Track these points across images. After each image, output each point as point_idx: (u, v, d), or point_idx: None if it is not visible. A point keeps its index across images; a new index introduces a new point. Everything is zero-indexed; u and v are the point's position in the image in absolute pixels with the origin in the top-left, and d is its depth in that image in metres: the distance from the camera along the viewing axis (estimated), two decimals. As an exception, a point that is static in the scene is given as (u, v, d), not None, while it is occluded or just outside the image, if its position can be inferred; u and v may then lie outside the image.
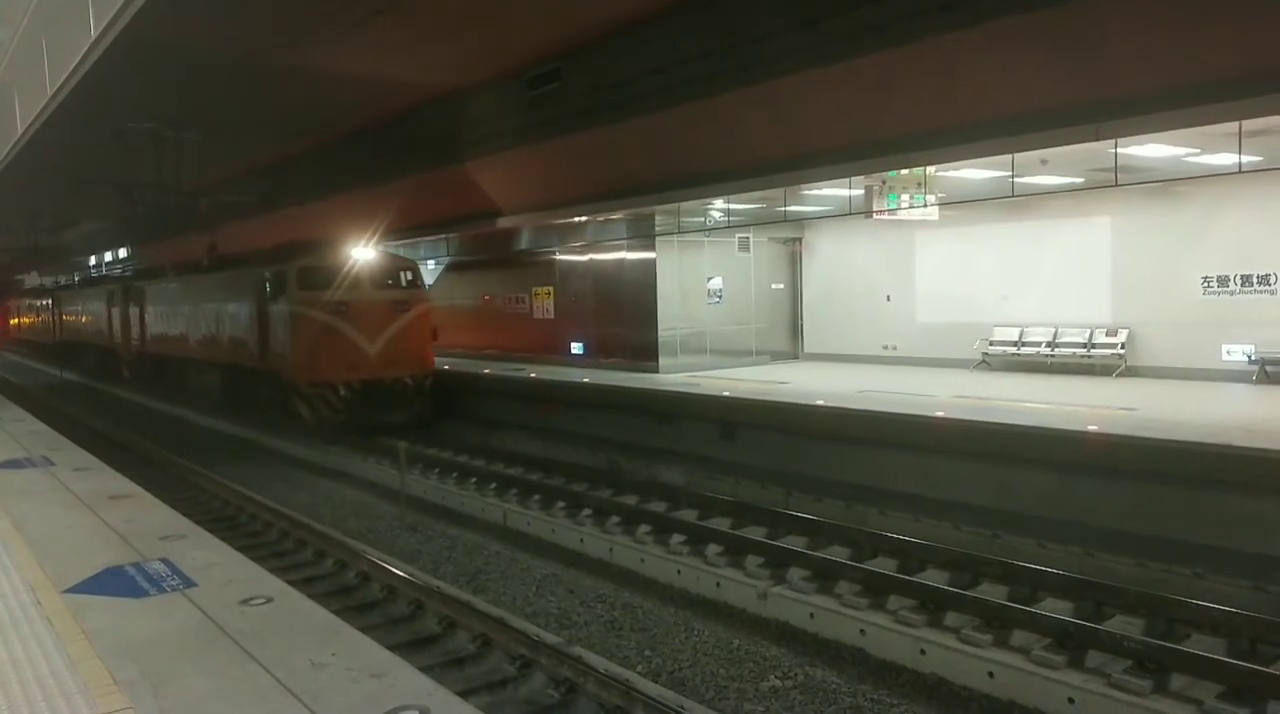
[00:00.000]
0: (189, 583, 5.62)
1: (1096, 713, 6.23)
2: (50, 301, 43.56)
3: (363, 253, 18.99)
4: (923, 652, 7.24)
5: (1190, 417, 11.42)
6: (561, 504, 12.05)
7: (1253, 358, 15.04)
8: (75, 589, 5.57)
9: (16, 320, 56.27)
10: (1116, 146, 12.10)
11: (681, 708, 6.00)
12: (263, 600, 5.31)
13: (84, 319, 36.49)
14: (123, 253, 39.84)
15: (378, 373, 18.39)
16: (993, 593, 8.17)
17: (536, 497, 12.59)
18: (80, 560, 6.14)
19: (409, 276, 19.69)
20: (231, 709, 3.93)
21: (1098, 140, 10.12)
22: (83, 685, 4.18)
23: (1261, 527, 8.95)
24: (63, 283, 48.69)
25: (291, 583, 6.41)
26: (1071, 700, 6.34)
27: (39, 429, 13.61)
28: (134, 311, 28.80)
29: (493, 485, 13.54)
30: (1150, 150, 12.95)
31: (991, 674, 6.80)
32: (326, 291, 18.13)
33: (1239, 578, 8.05)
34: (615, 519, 11.15)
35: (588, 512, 11.62)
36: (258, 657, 4.45)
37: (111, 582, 5.69)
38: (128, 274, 32.19)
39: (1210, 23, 8.01)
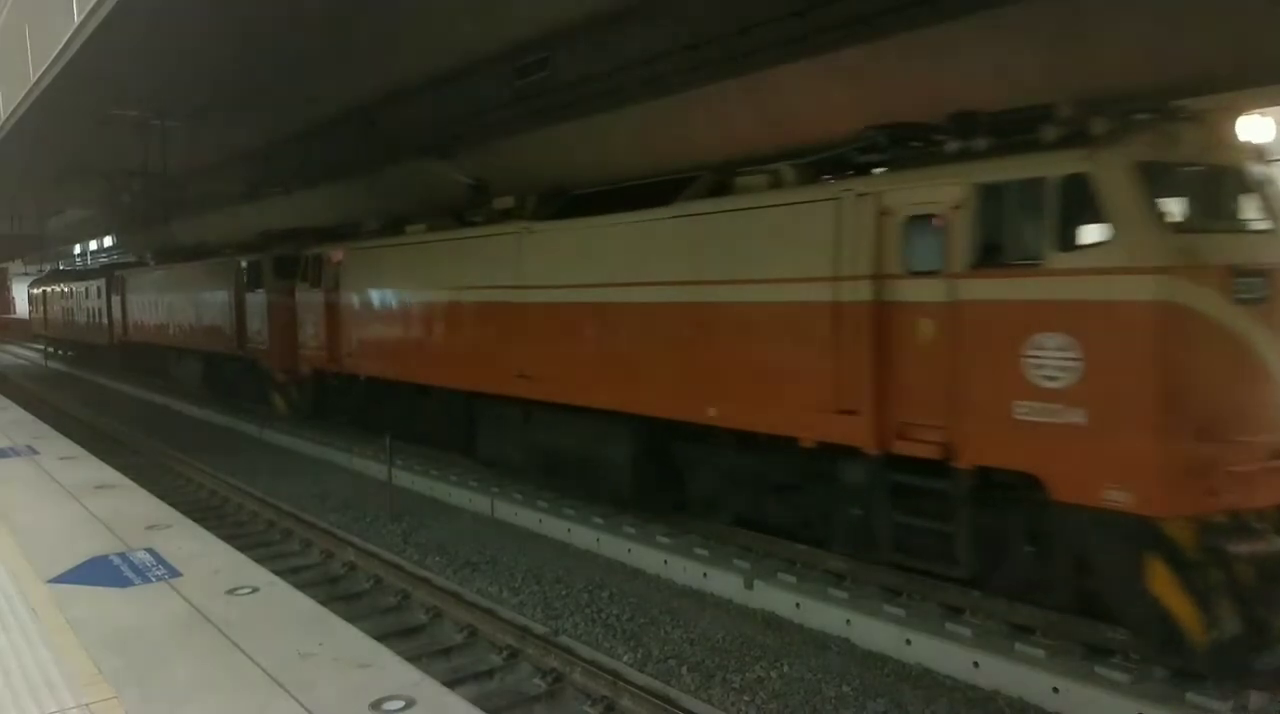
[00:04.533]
0: (174, 573, 5.60)
1: (1081, 704, 6.27)
2: (103, 285, 30.27)
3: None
4: (908, 642, 7.27)
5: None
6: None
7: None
8: (60, 579, 5.54)
9: (42, 312, 41.51)
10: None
11: (668, 697, 6.02)
12: (249, 590, 5.30)
13: (177, 310, 23.80)
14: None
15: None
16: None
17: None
18: (65, 550, 6.12)
19: None
20: (217, 699, 3.93)
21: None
22: (67, 675, 4.17)
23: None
24: (123, 260, 36.52)
25: (278, 573, 6.40)
26: (1056, 690, 6.38)
27: (22, 417, 13.52)
28: (312, 301, 16.96)
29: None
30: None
31: (976, 664, 6.83)
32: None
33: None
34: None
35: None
36: (244, 647, 4.44)
37: (96, 572, 5.67)
38: (272, 240, 19.37)
39: (1199, 15, 8.03)
